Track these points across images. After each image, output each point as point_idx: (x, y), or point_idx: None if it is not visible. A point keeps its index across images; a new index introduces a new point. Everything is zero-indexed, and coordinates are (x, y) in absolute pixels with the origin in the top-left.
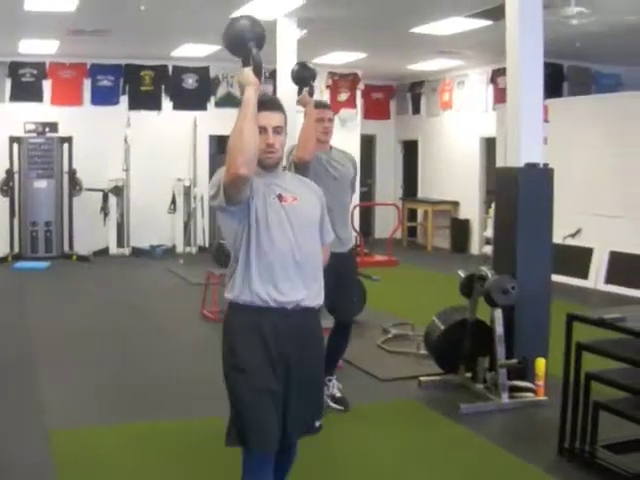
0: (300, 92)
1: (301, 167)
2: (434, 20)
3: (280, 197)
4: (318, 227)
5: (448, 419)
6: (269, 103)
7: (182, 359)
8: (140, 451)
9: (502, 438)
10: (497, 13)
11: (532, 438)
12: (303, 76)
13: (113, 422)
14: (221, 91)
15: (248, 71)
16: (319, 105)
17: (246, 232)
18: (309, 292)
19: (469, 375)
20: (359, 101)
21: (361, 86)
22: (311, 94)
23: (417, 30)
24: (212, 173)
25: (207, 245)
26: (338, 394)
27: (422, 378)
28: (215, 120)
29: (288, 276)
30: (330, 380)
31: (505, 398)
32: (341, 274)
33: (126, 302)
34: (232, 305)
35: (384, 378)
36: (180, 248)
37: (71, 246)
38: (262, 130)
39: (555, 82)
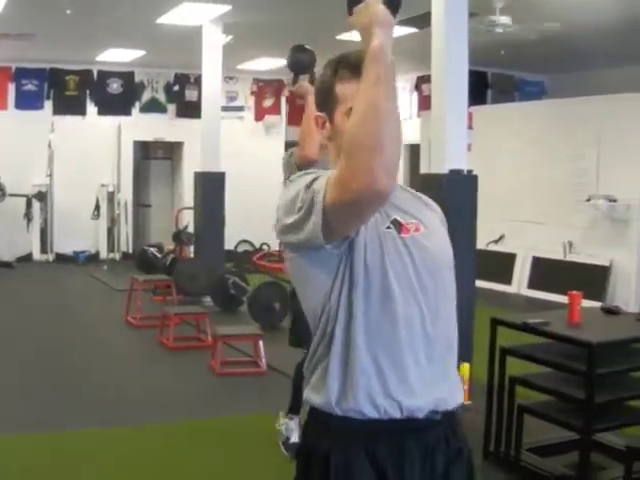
0: (295, 81)
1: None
2: None
3: (398, 225)
4: (453, 272)
5: None
6: None
7: (107, 366)
8: (65, 460)
9: None
10: (423, 21)
11: None
12: (301, 60)
13: (34, 430)
14: (146, 96)
15: (376, 2)
16: None
17: (346, 290)
18: (449, 385)
19: None
20: (284, 107)
21: (286, 92)
22: (312, 82)
23: (343, 37)
24: (136, 179)
25: (131, 251)
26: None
27: None
28: (139, 126)
29: (417, 361)
30: (292, 419)
31: None
32: None
33: (50, 309)
34: (320, 417)
35: None
36: (104, 254)
37: None
38: None
39: (479, 89)
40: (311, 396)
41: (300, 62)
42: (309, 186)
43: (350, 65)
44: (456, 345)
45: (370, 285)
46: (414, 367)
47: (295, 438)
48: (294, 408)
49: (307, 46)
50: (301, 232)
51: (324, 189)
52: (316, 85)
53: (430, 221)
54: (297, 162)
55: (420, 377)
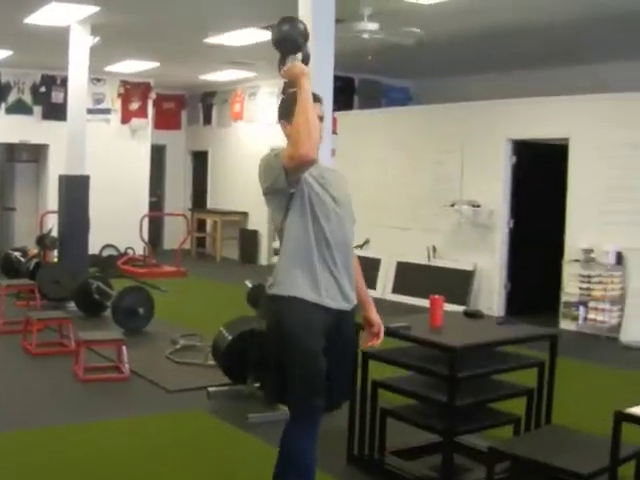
0: (283, 61)
1: (295, 175)
2: (228, 31)
3: None
4: None
5: (237, 429)
6: None
7: None
8: None
9: None
10: None
11: (321, 446)
12: (290, 36)
13: None
14: (12, 97)
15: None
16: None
17: None
18: None
19: (257, 385)
20: (150, 111)
21: (153, 95)
22: (306, 61)
23: (211, 40)
24: (1, 182)
25: None
26: None
27: (211, 389)
28: (5, 127)
29: None
30: None
31: None
32: (345, 342)
33: None
34: None
35: (172, 389)
36: None
37: None
38: None
39: (346, 95)
40: None
41: (289, 38)
42: None
43: None
44: None
45: None
46: None
47: None
48: None
49: (298, 20)
50: None
51: None
52: None
53: None
54: (286, 164)
55: None
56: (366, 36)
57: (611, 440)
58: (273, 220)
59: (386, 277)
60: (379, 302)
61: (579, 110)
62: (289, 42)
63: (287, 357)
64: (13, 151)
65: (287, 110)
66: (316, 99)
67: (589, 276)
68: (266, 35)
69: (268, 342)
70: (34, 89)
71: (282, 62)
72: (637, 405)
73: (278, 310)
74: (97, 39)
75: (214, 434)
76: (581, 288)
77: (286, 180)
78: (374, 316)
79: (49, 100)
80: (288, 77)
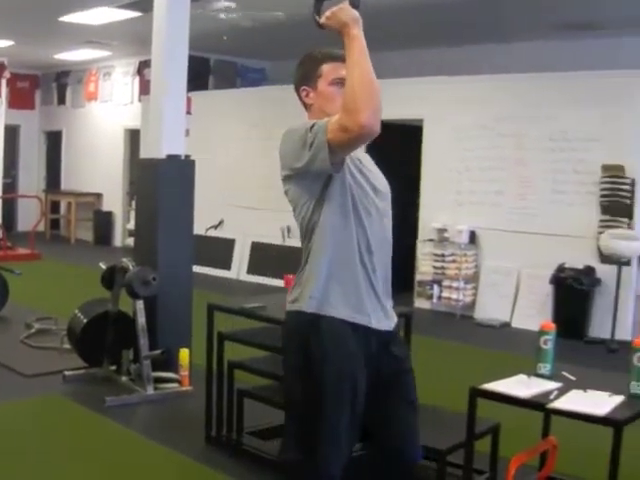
0: (319, 8)
1: (343, 154)
2: (83, 9)
3: None
4: None
5: (94, 413)
6: None
7: None
8: None
9: (149, 429)
10: (146, 4)
11: (179, 428)
12: None
13: None
14: None
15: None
16: (336, 56)
17: None
18: None
19: (114, 368)
20: (4, 90)
21: (6, 75)
22: (356, 4)
23: (65, 19)
24: None
25: None
26: None
27: (67, 372)
28: None
29: None
30: None
31: (150, 389)
32: (397, 373)
33: None
34: None
35: (28, 374)
36: None
37: None
38: None
39: (201, 75)
40: None
41: None
42: None
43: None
44: None
45: None
46: None
47: None
48: None
49: None
50: None
51: None
52: None
53: None
54: (334, 139)
55: None
56: (223, 16)
57: (467, 415)
58: (295, 211)
59: (241, 258)
60: (234, 283)
61: (433, 91)
62: None
63: (312, 400)
64: None
65: (306, 73)
66: (343, 59)
67: (443, 255)
68: (122, 14)
69: (286, 377)
70: None
71: (317, 10)
72: (491, 381)
73: (302, 335)
74: None
75: (71, 418)
76: (435, 267)
77: (330, 160)
78: None
79: None
80: (332, 26)
